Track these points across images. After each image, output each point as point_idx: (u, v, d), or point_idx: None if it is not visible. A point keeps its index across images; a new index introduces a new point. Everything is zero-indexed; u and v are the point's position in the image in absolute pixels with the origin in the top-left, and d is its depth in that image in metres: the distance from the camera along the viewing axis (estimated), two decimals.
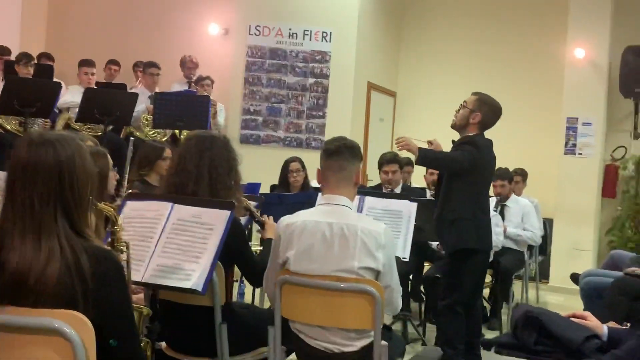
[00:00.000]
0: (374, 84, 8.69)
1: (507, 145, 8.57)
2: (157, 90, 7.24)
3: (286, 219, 2.82)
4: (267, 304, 4.30)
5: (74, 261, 1.72)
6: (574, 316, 2.65)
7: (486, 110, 4.03)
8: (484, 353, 4.02)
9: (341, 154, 2.82)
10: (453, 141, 4.12)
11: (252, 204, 3.39)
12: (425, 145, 4.15)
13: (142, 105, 6.86)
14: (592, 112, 7.77)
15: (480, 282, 4.31)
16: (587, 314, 2.69)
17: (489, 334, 5.14)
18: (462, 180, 3.98)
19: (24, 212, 1.74)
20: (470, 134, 4.03)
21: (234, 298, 4.74)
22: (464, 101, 4.09)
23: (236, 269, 3.13)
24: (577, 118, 7.80)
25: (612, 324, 2.74)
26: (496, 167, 6.37)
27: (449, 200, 4.00)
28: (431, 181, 6.03)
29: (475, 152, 3.95)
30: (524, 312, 2.60)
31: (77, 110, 6.35)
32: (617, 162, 8.14)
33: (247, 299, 5.36)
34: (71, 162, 1.78)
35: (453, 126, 4.11)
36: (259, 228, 3.31)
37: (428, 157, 4.04)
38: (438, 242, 5.46)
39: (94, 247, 1.77)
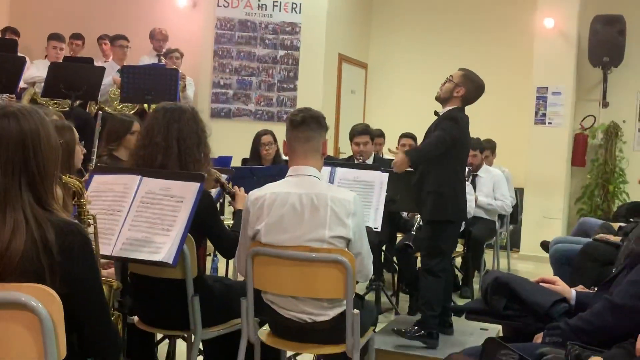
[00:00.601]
0: (345, 56, 8.65)
1: (477, 116, 8.56)
2: (125, 63, 7.12)
3: (254, 193, 2.81)
4: (240, 277, 4.31)
5: (39, 234, 1.69)
6: (543, 281, 2.69)
7: (470, 87, 4.11)
8: (454, 319, 4.08)
9: (307, 125, 2.81)
10: (436, 112, 4.19)
11: (224, 177, 3.37)
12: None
13: (109, 78, 6.75)
14: (562, 81, 7.83)
15: (451, 251, 4.37)
16: (556, 278, 2.73)
17: (461, 303, 5.20)
18: (442, 155, 4.01)
19: None
20: (453, 107, 4.09)
21: (208, 272, 4.73)
22: (450, 75, 4.18)
23: (209, 242, 3.12)
24: (546, 88, 7.86)
25: (581, 288, 2.78)
26: None
27: (430, 173, 4.05)
28: None
29: (454, 127, 4.01)
30: (493, 278, 2.63)
31: (42, 85, 6.23)
32: (586, 131, 8.24)
33: (221, 273, 5.36)
34: (35, 134, 1.74)
35: (437, 98, 4.18)
36: (230, 200, 3.30)
37: (416, 157, 4.05)
38: (408, 212, 5.51)
39: (60, 220, 1.74)
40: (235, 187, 3.29)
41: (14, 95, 6.15)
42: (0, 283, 1.68)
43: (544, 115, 7.89)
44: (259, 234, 2.73)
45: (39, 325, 1.67)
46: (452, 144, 3.98)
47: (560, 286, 2.64)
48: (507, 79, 8.51)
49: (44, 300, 1.67)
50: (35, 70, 6.84)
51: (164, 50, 7.59)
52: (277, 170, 4.64)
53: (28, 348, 1.70)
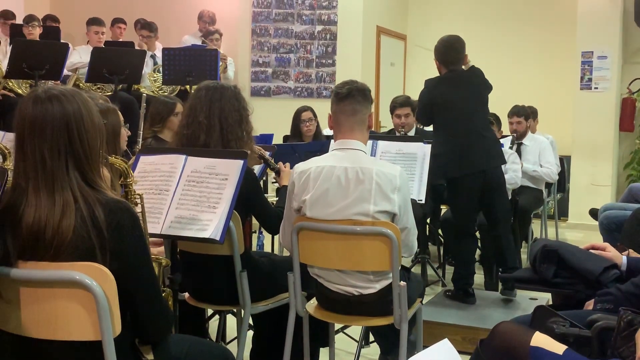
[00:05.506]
0: (384, 28, 8.55)
1: (521, 83, 8.48)
2: (157, 47, 7.22)
3: (300, 166, 2.82)
4: (286, 253, 4.34)
5: (88, 213, 1.73)
6: (593, 248, 2.64)
7: (436, 53, 4.35)
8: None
9: (353, 98, 2.79)
10: None
11: (267, 153, 3.38)
12: None
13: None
14: (607, 45, 7.62)
15: (470, 206, 4.43)
16: (606, 245, 2.67)
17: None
18: (434, 120, 4.39)
19: (36, 168, 1.75)
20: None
21: (254, 249, 4.78)
22: None
23: (254, 220, 3.14)
24: (592, 52, 7.66)
25: (632, 253, 2.72)
26: (512, 105, 6.33)
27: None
28: None
29: (423, 93, 4.36)
30: (542, 245, 2.59)
31: (85, 70, 6.33)
32: (634, 94, 8.00)
33: (267, 250, 5.41)
34: (78, 115, 1.78)
35: None
36: (275, 176, 3.31)
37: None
38: None
39: (107, 199, 1.78)
40: (280, 163, 3.30)
41: (59, 82, 6.27)
42: (55, 262, 1.73)
43: (590, 80, 7.70)
44: (304, 208, 2.74)
45: (93, 302, 1.72)
46: (425, 109, 4.34)
47: (611, 252, 2.59)
48: (550, 44, 8.33)
49: (97, 278, 1.72)
50: (78, 57, 6.94)
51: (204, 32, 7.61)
52: (319, 146, 4.65)
53: (85, 324, 1.75)
